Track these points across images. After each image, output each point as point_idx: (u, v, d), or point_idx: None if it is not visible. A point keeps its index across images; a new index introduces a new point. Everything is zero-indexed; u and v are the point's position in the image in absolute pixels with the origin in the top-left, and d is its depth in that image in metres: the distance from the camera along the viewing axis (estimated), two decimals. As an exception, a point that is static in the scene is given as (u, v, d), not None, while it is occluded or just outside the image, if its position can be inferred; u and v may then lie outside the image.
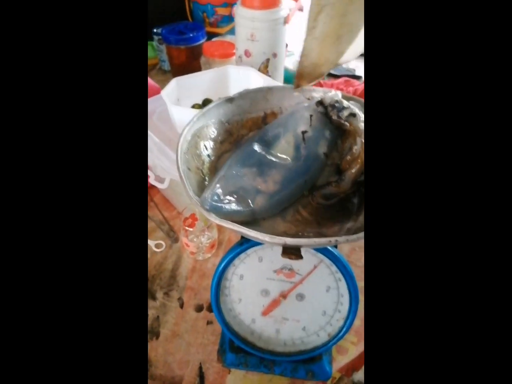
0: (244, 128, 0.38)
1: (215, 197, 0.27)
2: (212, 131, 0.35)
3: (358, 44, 0.31)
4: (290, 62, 0.90)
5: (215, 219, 0.25)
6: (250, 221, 0.30)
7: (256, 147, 0.33)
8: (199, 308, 0.51)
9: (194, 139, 0.33)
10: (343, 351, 0.49)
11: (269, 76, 0.66)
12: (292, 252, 0.26)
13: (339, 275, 0.38)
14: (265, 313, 0.42)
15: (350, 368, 0.48)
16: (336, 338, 0.41)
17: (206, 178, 0.32)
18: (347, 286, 0.39)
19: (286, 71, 0.89)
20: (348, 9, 0.23)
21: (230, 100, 0.37)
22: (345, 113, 0.32)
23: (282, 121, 0.35)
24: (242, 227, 0.24)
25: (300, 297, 0.41)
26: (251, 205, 0.29)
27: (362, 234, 0.24)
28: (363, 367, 0.51)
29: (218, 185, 0.28)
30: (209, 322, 0.49)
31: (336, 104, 0.33)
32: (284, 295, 0.41)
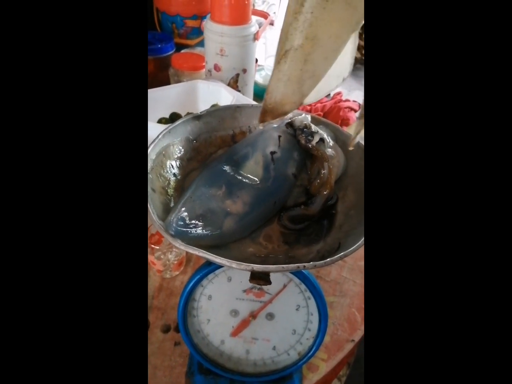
0: (212, 146, 0.38)
1: (180, 222, 0.26)
2: (179, 149, 0.34)
3: (322, 87, 0.32)
4: (260, 76, 0.91)
5: (180, 245, 0.24)
6: (219, 244, 0.29)
7: (225, 167, 0.32)
8: (166, 329, 0.49)
9: (159, 157, 0.32)
10: (313, 368, 0.48)
11: (239, 91, 0.66)
12: (260, 277, 0.26)
13: (308, 293, 0.38)
14: (234, 333, 0.41)
15: (320, 385, 0.48)
16: (307, 357, 0.41)
17: (172, 199, 0.31)
18: (316, 305, 0.39)
19: (256, 85, 0.89)
20: (309, 57, 0.24)
21: (197, 117, 0.36)
22: (314, 138, 0.33)
23: (251, 141, 0.35)
24: (208, 253, 0.24)
25: (270, 316, 0.40)
26: (220, 228, 0.28)
27: (329, 260, 0.24)
28: (333, 382, 0.52)
29: (183, 208, 0.27)
30: (176, 343, 0.48)
31: (305, 129, 0.34)
32: (253, 315, 0.40)
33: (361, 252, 0.64)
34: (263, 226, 0.32)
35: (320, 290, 0.39)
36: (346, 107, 0.88)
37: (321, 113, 0.84)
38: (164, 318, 0.50)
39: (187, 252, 0.55)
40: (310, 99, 0.30)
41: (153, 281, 0.53)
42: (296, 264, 0.23)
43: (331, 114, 0.86)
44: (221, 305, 0.40)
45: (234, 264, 0.23)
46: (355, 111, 0.94)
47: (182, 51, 0.87)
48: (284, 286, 0.39)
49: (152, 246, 0.50)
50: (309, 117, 0.37)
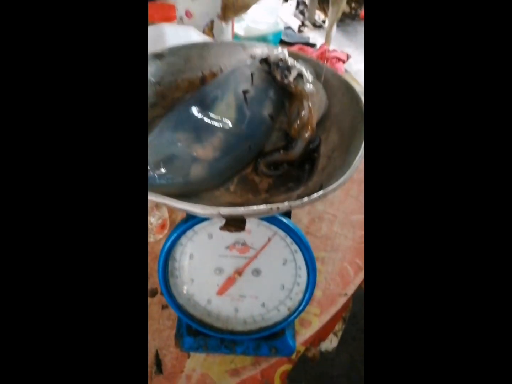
0: (179, 90, 0.34)
1: (141, 168, 0.23)
2: (141, 95, 0.31)
3: None
4: (241, 28, 0.85)
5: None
6: (188, 193, 0.26)
7: (192, 110, 0.29)
8: (152, 293, 0.48)
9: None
10: (306, 324, 0.47)
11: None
12: (233, 223, 0.23)
13: (295, 246, 0.36)
14: (220, 292, 0.39)
15: (315, 340, 0.47)
16: (297, 311, 0.40)
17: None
18: (304, 258, 0.37)
19: (237, 37, 0.83)
20: None
21: (158, 56, 0.32)
22: (292, 73, 0.29)
23: (221, 80, 0.31)
24: (169, 198, 0.21)
25: (256, 272, 0.38)
26: (187, 174, 0.25)
27: (306, 199, 0.21)
28: (329, 337, 0.51)
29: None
30: (164, 307, 0.46)
31: (281, 63, 0.30)
32: (239, 272, 0.38)
33: (352, 206, 0.62)
34: (238, 173, 0.29)
35: (307, 242, 0.37)
36: (333, 58, 0.83)
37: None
38: (150, 282, 0.48)
39: (170, 214, 0.53)
40: None
41: (136, 246, 0.51)
42: (269, 206, 0.20)
43: (318, 65, 0.81)
44: (204, 263, 0.38)
45: (198, 208, 0.20)
46: (344, 61, 0.88)
47: (155, 1, 0.80)
48: (269, 239, 0.36)
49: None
50: (286, 51, 0.33)
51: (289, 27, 1.05)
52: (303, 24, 1.14)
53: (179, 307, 0.39)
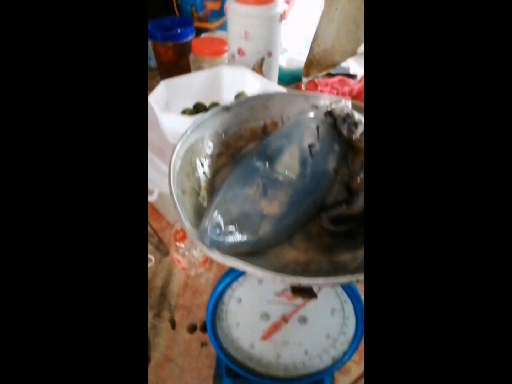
0: (242, 139, 0.35)
1: (216, 229, 0.23)
2: (208, 145, 0.31)
3: None
4: (284, 60, 0.87)
5: (217, 257, 0.22)
6: (256, 251, 0.26)
7: (257, 163, 0.29)
8: (192, 329, 0.47)
9: (188, 155, 0.29)
10: (345, 371, 0.46)
11: (264, 76, 0.62)
12: (304, 289, 0.23)
13: (345, 297, 0.36)
14: (265, 337, 0.39)
15: (353, 388, 0.46)
16: (341, 362, 0.39)
17: (204, 200, 0.28)
18: (354, 309, 0.36)
19: (280, 69, 0.85)
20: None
21: (227, 109, 0.33)
22: (358, 129, 0.29)
23: (286, 132, 0.32)
24: (251, 265, 0.21)
25: (303, 320, 0.38)
26: (257, 232, 0.25)
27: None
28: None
29: (216, 213, 0.24)
30: (203, 344, 0.46)
31: (347, 118, 0.30)
32: (285, 319, 0.38)
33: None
34: (302, 228, 0.29)
35: (358, 293, 0.36)
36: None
37: (349, 97, 0.80)
38: (190, 318, 0.48)
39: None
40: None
41: (178, 279, 0.51)
42: (348, 276, 0.20)
43: (359, 98, 0.81)
44: (251, 308, 0.38)
45: (278, 277, 0.20)
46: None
47: (202, 35, 0.83)
48: (319, 288, 0.36)
49: (177, 243, 0.48)
50: (349, 104, 0.33)
51: (328, 59, 1.06)
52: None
53: (222, 349, 0.39)
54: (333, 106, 0.33)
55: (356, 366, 0.47)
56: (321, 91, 0.81)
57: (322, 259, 0.27)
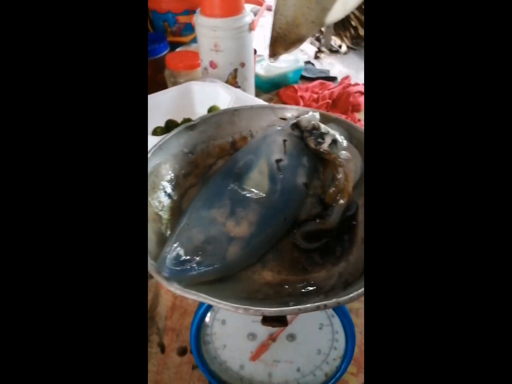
0: (211, 156, 0.34)
1: (175, 260, 0.22)
2: (172, 166, 0.30)
3: None
4: (262, 67, 0.86)
5: (176, 290, 0.21)
6: (224, 275, 0.25)
7: (225, 182, 0.28)
8: (182, 351, 0.46)
9: (150, 179, 0.28)
10: (343, 384, 0.45)
11: (239, 86, 0.62)
12: (275, 319, 0.22)
13: (331, 311, 0.35)
14: (254, 358, 0.38)
15: (352, 401, 0.44)
16: (335, 378, 0.37)
17: (168, 224, 0.27)
18: (341, 323, 0.35)
19: (258, 77, 0.84)
20: None
21: (191, 127, 0.32)
22: (326, 141, 0.28)
23: (253, 148, 0.31)
24: (211, 298, 0.20)
25: (291, 337, 0.37)
26: (224, 258, 0.24)
27: (356, 294, 0.20)
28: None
29: (178, 241, 0.23)
30: (194, 367, 0.45)
31: (314, 130, 0.29)
32: (273, 338, 0.36)
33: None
34: (274, 247, 0.28)
35: (345, 307, 0.35)
36: (356, 92, 0.82)
37: (330, 101, 0.79)
38: (179, 340, 0.47)
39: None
40: (335, 14, 0.23)
41: (165, 301, 0.50)
42: (315, 304, 0.19)
43: (340, 100, 0.80)
44: (237, 329, 0.37)
45: (240, 310, 0.19)
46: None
47: (177, 49, 0.82)
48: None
49: (159, 265, 0.47)
50: (317, 115, 0.32)
51: (308, 62, 1.06)
52: (319, 50, 1.15)
53: (211, 373, 0.38)
54: (300, 118, 0.32)
55: (355, 379, 0.45)
56: (301, 96, 0.81)
57: (296, 279, 0.26)
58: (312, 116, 0.32)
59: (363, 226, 0.29)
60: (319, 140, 0.29)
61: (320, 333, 0.36)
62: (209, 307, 0.35)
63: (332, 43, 1.19)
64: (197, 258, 0.23)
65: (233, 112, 0.34)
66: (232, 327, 0.36)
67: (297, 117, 0.33)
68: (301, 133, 0.31)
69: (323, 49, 1.17)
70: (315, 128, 0.30)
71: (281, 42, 0.21)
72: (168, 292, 0.50)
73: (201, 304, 0.35)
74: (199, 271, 0.23)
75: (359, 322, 0.50)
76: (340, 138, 0.30)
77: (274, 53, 0.24)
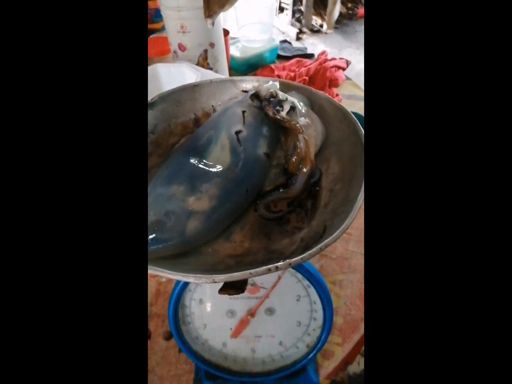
0: (173, 135, 0.33)
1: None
2: (133, 147, 0.30)
3: None
4: (237, 49, 0.85)
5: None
6: (187, 250, 0.25)
7: (185, 158, 0.28)
8: (168, 336, 0.46)
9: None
10: (329, 355, 0.45)
11: (211, 68, 0.61)
12: (233, 286, 0.22)
13: (307, 281, 0.35)
14: (235, 334, 0.38)
15: (341, 370, 0.45)
16: (316, 348, 0.38)
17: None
18: (317, 293, 0.35)
19: (234, 59, 0.83)
20: None
21: (150, 105, 0.31)
22: (284, 108, 0.28)
23: (213, 122, 0.31)
24: (162, 270, 0.20)
25: (270, 311, 0.37)
26: (183, 233, 0.24)
27: (307, 254, 0.19)
28: (357, 359, 0.48)
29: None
30: (180, 350, 0.45)
31: (272, 98, 0.29)
32: (252, 313, 0.37)
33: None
34: (238, 220, 0.27)
35: (319, 276, 0.35)
36: (332, 67, 0.81)
37: (307, 78, 0.78)
38: (164, 325, 0.47)
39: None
40: None
41: (149, 287, 0.50)
42: (266, 267, 0.19)
43: (317, 76, 0.80)
44: (215, 307, 0.37)
45: (191, 278, 0.19)
46: (343, 69, 0.87)
47: (150, 36, 0.81)
48: (279, 278, 0.35)
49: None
50: (277, 84, 0.32)
51: (285, 41, 1.04)
52: (301, 31, 1.14)
53: (194, 354, 0.38)
54: (260, 87, 0.31)
55: (340, 349, 0.46)
56: (278, 75, 0.80)
57: (259, 248, 0.26)
58: (272, 85, 0.31)
59: (327, 192, 0.29)
60: (277, 108, 0.29)
61: (298, 304, 0.36)
62: (184, 287, 0.34)
63: (313, 23, 1.18)
64: (153, 235, 0.23)
65: (193, 88, 0.33)
66: (210, 306, 0.37)
67: (257, 87, 0.32)
68: (261, 103, 0.30)
69: (305, 29, 1.15)
70: (273, 96, 0.29)
71: (215, 1, 0.20)
72: (152, 279, 0.50)
73: (176, 284, 0.35)
74: (157, 246, 0.22)
75: (342, 294, 0.51)
76: (299, 104, 0.29)
77: (210, 13, 0.23)
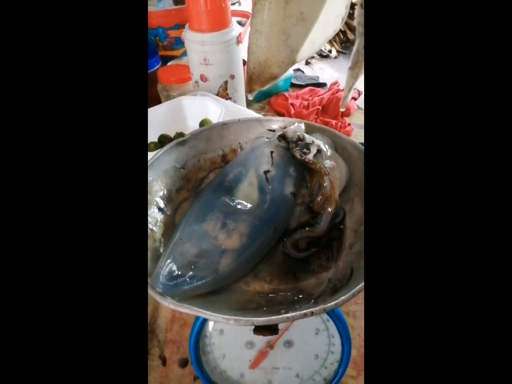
0: (202, 170, 0.35)
1: (168, 276, 0.23)
2: (165, 182, 0.31)
3: (317, 37, 0.26)
4: (252, 77, 0.88)
5: (170, 304, 0.21)
6: (217, 287, 0.26)
7: (215, 195, 0.29)
8: (183, 363, 0.46)
9: (144, 196, 0.29)
10: (343, 388, 0.45)
11: (230, 98, 0.63)
12: (266, 327, 0.23)
13: (326, 316, 0.35)
14: (253, 366, 0.38)
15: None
16: (334, 382, 0.38)
17: (162, 239, 0.28)
18: (336, 327, 0.36)
19: (249, 87, 0.86)
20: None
21: (182, 143, 0.33)
22: (311, 151, 0.29)
23: (242, 161, 0.32)
24: (203, 311, 0.21)
25: (288, 344, 0.37)
26: (216, 271, 0.25)
27: (341, 301, 0.20)
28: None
29: (170, 258, 0.24)
30: (196, 378, 0.45)
31: (299, 141, 0.30)
32: (271, 345, 0.37)
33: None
34: (266, 257, 0.29)
35: (339, 311, 0.36)
36: (345, 98, 0.83)
37: (320, 107, 0.80)
38: (180, 352, 0.47)
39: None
40: (304, 53, 0.24)
41: (165, 313, 0.51)
42: (302, 312, 0.20)
43: (330, 106, 0.82)
44: (235, 338, 0.37)
45: (231, 321, 0.20)
46: (355, 99, 0.89)
47: (169, 63, 0.84)
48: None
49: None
50: (302, 125, 0.33)
51: (298, 69, 1.08)
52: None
53: (212, 383, 0.38)
54: (286, 129, 0.33)
55: (354, 382, 0.46)
56: (292, 104, 0.82)
57: (287, 287, 0.27)
58: (297, 126, 0.33)
59: (351, 232, 0.30)
60: (305, 150, 0.30)
61: (317, 338, 0.37)
62: (205, 318, 0.35)
63: (322, 48, 1.21)
64: (190, 273, 0.24)
65: (222, 126, 0.35)
66: (230, 337, 0.37)
67: (284, 128, 0.34)
68: (288, 144, 0.32)
69: (314, 54, 1.19)
70: (300, 139, 0.31)
71: (256, 81, 0.22)
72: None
73: (197, 316, 0.36)
74: (191, 285, 0.23)
75: (356, 325, 0.51)
76: (324, 147, 0.31)
77: (250, 89, 0.25)
